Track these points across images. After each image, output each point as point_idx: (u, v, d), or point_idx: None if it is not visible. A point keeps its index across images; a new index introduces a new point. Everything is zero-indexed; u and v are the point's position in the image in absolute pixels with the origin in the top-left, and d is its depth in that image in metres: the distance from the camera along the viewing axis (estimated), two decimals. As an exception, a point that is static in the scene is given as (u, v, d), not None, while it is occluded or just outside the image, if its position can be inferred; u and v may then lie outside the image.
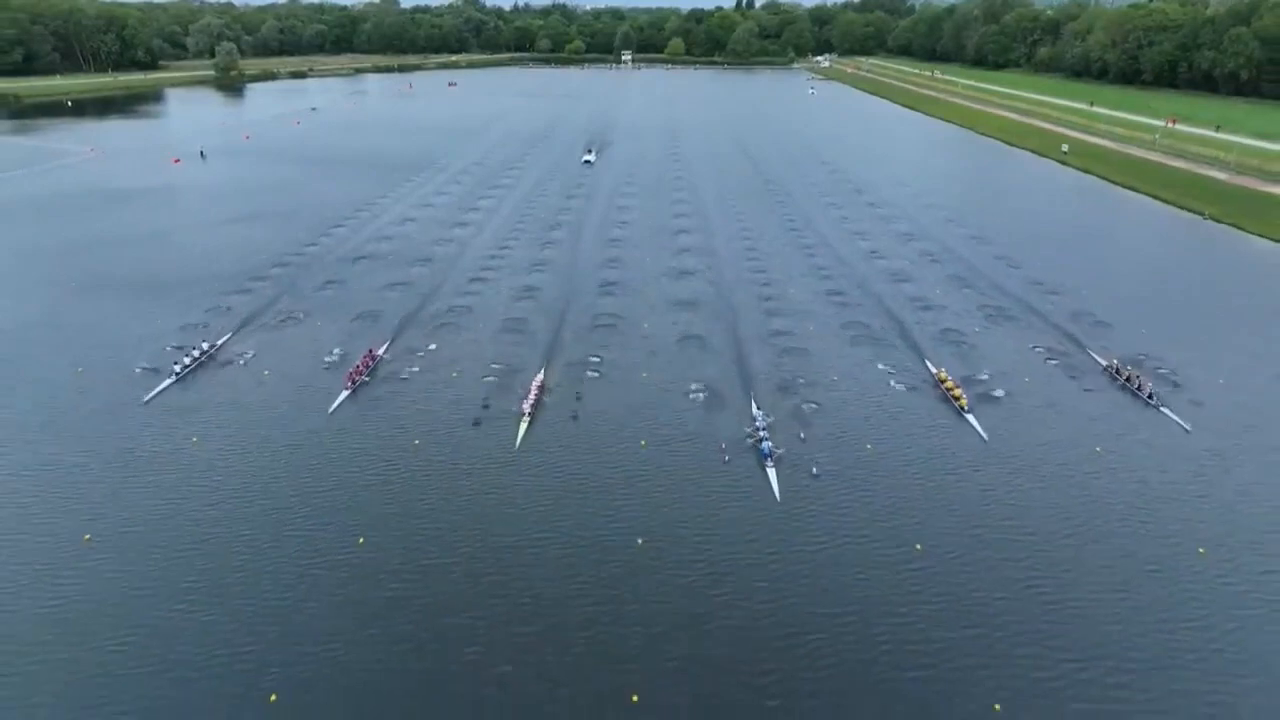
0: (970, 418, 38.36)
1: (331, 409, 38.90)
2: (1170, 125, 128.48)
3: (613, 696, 22.88)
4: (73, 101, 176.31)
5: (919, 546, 29.20)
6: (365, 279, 60.01)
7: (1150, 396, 39.97)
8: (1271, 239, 72.02)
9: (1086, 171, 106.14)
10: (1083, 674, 23.80)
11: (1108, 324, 51.09)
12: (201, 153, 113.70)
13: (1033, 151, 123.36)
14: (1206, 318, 52.95)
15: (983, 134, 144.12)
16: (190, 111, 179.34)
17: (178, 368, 42.35)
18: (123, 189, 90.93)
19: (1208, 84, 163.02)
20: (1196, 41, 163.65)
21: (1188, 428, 37.49)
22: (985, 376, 43.37)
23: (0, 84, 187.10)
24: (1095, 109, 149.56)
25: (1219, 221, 78.50)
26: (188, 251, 67.22)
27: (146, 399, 39.78)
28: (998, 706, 22.64)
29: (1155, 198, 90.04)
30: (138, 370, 43.08)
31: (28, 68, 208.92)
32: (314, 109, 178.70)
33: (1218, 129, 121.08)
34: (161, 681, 23.32)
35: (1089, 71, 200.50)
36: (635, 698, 22.84)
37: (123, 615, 25.84)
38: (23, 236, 71.93)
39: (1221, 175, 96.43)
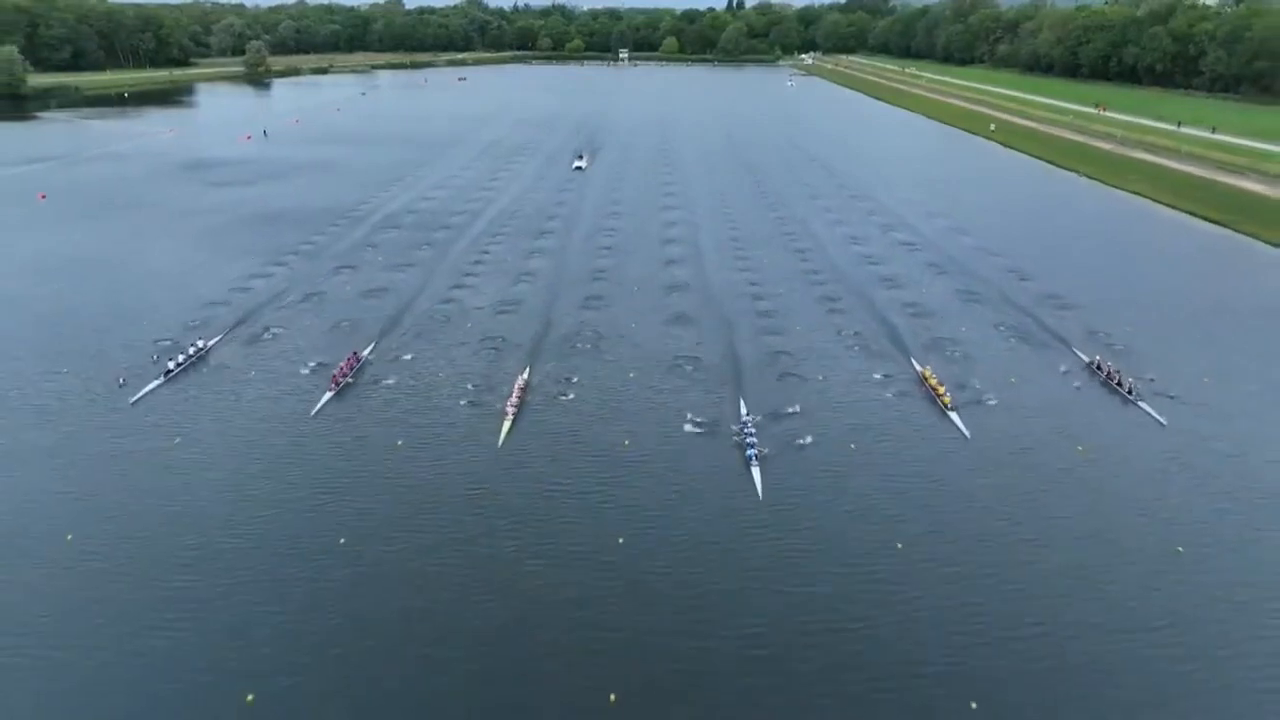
0: (953, 416, 38.77)
1: (314, 410, 38.97)
2: (1100, 112, 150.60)
3: (593, 694, 23.03)
4: (127, 94, 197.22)
5: (899, 545, 29.32)
6: (370, 268, 61.48)
7: (1130, 392, 40.99)
8: (1119, 187, 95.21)
9: (1006, 145, 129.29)
10: (1060, 672, 23.90)
11: (967, 232, 73.10)
12: (265, 132, 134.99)
13: (967, 130, 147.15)
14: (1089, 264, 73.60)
15: (930, 117, 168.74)
16: (235, 101, 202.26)
17: (171, 365, 42.65)
18: (210, 158, 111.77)
19: (1132, 76, 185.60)
20: (1124, 39, 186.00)
21: (1163, 422, 38.43)
22: (958, 355, 45.96)
23: (59, 78, 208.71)
24: (1099, 110, 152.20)
25: (1091, 179, 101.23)
26: (225, 229, 72.22)
27: (133, 400, 39.91)
28: (974, 704, 22.79)
29: (1049, 161, 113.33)
30: (147, 356, 44.48)
31: (75, 64, 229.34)
32: (363, 94, 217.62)
33: (1213, 130, 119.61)
34: (140, 682, 23.53)
35: (1039, 66, 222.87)
36: (614, 696, 22.93)
37: (102, 615, 25.93)
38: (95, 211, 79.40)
39: (1108, 146, 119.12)
